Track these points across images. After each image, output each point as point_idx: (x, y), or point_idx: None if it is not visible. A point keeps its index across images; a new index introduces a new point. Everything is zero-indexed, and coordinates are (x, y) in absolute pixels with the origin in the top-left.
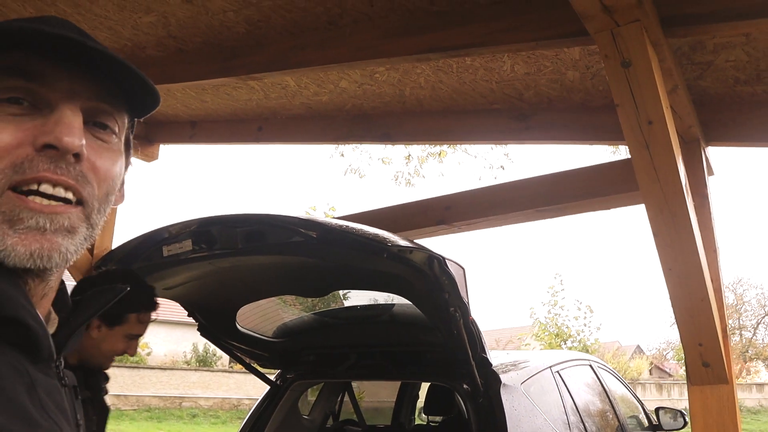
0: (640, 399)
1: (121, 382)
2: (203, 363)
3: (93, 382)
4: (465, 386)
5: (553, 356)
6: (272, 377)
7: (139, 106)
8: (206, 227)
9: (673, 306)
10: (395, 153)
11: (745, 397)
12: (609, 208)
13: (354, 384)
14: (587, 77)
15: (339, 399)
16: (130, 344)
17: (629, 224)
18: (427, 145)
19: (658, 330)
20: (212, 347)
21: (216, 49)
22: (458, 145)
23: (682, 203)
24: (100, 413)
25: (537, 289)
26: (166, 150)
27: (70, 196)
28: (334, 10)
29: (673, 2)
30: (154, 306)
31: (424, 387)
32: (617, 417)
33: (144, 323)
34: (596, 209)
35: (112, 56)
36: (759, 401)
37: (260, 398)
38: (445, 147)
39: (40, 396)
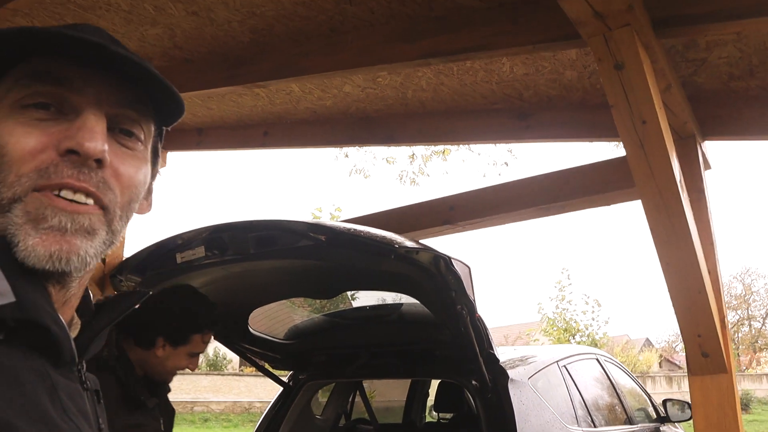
0: (648, 391)
1: None
2: (214, 367)
3: (158, 391)
4: (474, 382)
5: (559, 351)
6: (284, 379)
7: (166, 114)
8: (219, 234)
9: (671, 299)
10: (399, 152)
11: (755, 388)
12: (609, 204)
13: (365, 383)
14: (585, 76)
15: (351, 398)
16: (191, 361)
17: (635, 217)
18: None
19: (667, 322)
20: (222, 351)
21: (221, 59)
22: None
23: (677, 199)
24: (167, 415)
25: (545, 285)
26: (173, 157)
27: (90, 203)
28: (337, 18)
29: (664, 5)
30: (215, 325)
31: (434, 385)
32: (624, 409)
33: (206, 342)
34: (596, 206)
35: (140, 63)
36: None
37: (273, 399)
38: (448, 145)
39: (62, 399)
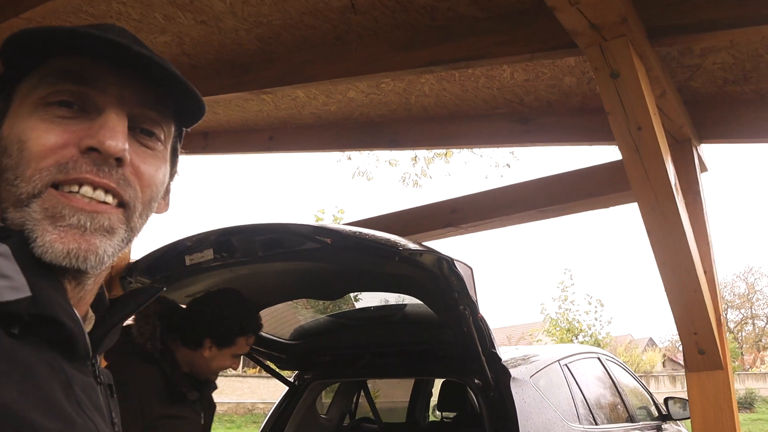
0: (650, 390)
1: None
2: None
3: (204, 388)
4: (476, 381)
5: (561, 350)
6: (290, 379)
7: (186, 116)
8: (227, 236)
9: (668, 298)
10: (402, 155)
11: (759, 387)
12: (607, 207)
13: (369, 383)
14: (583, 82)
15: (355, 398)
16: (235, 361)
17: (636, 218)
18: None
19: (670, 322)
20: None
21: (228, 66)
22: None
23: (672, 202)
24: (208, 409)
25: (547, 285)
26: (180, 160)
27: (109, 199)
28: (341, 27)
29: (658, 16)
30: (259, 328)
31: (437, 384)
32: (626, 408)
33: (249, 344)
34: (595, 208)
35: (162, 64)
36: None
37: (279, 399)
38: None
39: (76, 393)
